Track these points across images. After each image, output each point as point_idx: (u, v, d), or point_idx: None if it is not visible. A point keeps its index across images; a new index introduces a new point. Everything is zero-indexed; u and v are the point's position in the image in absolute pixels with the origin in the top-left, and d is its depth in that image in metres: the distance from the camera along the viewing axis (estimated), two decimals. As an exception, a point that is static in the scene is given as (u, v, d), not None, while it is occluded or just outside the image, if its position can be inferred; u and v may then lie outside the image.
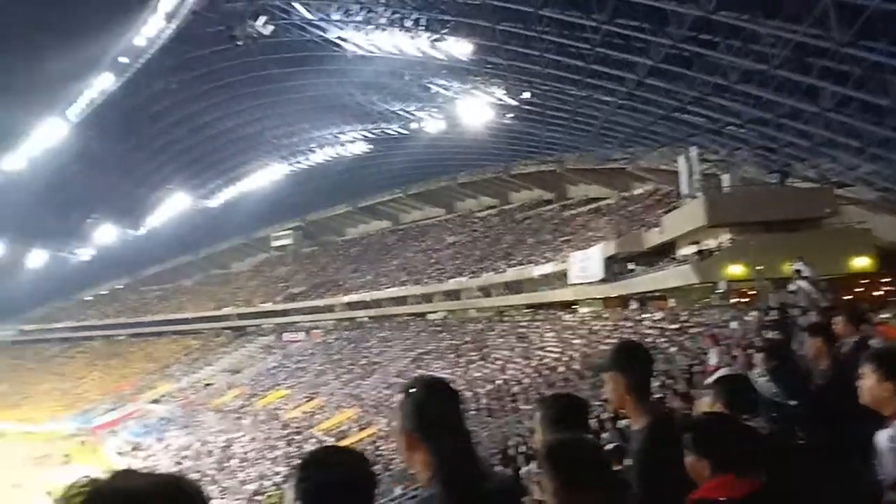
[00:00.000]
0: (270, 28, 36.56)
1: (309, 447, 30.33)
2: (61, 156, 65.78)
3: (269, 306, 61.28)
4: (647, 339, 23.59)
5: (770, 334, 12.06)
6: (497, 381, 28.06)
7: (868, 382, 2.77)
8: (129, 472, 1.10)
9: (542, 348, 31.58)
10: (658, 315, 29.20)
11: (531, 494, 2.55)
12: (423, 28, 33.01)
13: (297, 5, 37.08)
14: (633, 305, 31.95)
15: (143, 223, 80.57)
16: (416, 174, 60.99)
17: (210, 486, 28.87)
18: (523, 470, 10.98)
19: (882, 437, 2.72)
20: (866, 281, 24.54)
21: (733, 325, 18.61)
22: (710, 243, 27.21)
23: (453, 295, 45.84)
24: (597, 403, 11.75)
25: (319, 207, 73.65)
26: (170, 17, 41.78)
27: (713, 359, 11.97)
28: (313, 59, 43.14)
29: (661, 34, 23.28)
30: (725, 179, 29.09)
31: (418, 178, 62.24)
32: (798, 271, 15.53)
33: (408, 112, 48.52)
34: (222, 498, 27.34)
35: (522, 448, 14.96)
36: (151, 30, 43.59)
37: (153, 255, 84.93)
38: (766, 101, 24.27)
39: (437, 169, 60.16)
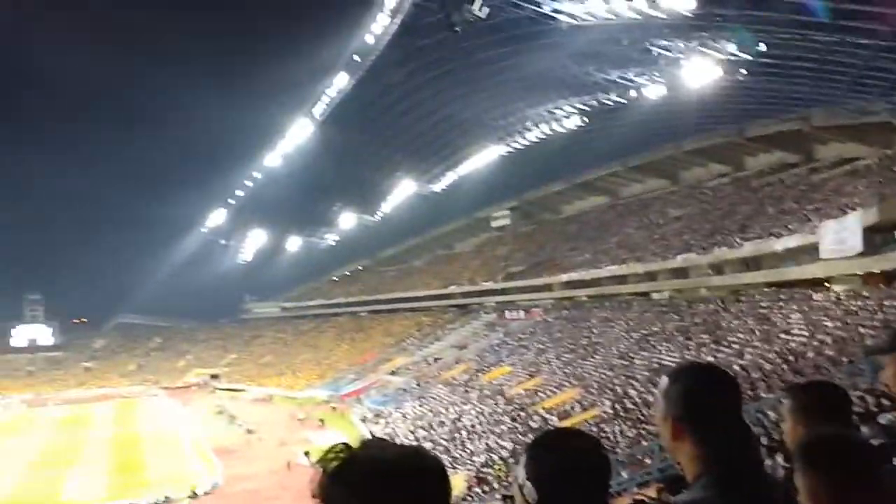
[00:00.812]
0: (486, 10, 37.09)
1: (533, 424, 30.64)
2: (309, 151, 74.34)
3: (490, 285, 63.05)
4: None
5: None
6: (733, 367, 25.61)
7: None
8: (379, 442, 1.16)
9: (786, 332, 28.11)
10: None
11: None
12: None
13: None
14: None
15: (377, 209, 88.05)
16: (635, 145, 58.14)
17: (442, 456, 30.55)
18: (766, 464, 9.70)
19: None
20: None
21: None
22: None
23: (680, 273, 42.80)
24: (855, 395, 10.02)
25: (536, 186, 73.90)
26: (394, 12, 44.62)
27: None
28: (528, 35, 43.14)
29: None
30: None
31: (638, 149, 59.15)
32: None
33: (626, 79, 46.29)
34: (454, 468, 28.74)
35: (764, 440, 13.36)
36: (379, 27, 46.96)
37: (387, 239, 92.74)
38: None
39: (659, 137, 56.73)
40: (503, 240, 75.64)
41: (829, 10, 25.26)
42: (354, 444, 1.15)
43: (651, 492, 12.24)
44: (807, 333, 26.40)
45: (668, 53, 39.41)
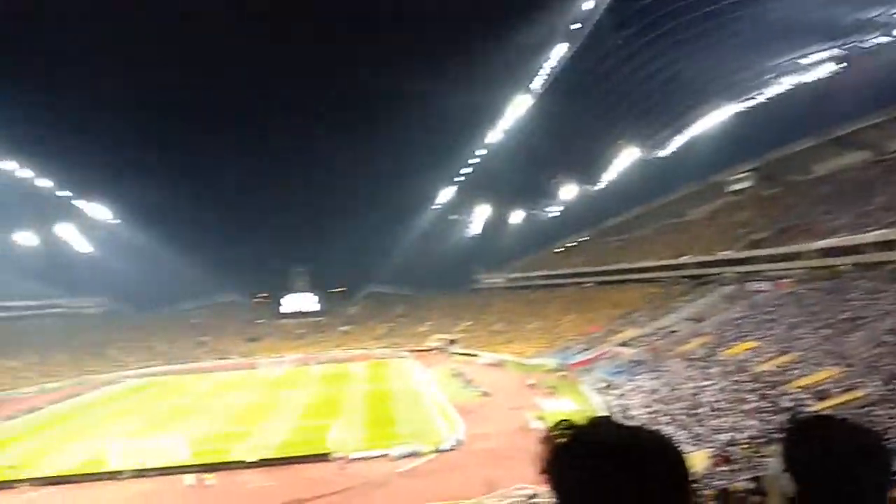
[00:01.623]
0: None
1: (784, 405, 28.69)
2: (529, 124, 75.68)
3: (728, 254, 59.03)
4: None
5: None
6: None
7: None
8: (607, 423, 1.14)
9: None
10: None
11: None
12: None
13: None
14: None
15: (599, 179, 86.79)
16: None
17: (680, 432, 29.99)
18: None
19: None
20: None
21: None
22: None
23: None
24: None
25: (779, 144, 66.90)
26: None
27: None
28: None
29: None
30: None
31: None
32: None
33: (893, 16, 40.01)
34: (694, 445, 28.06)
35: None
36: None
37: (610, 208, 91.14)
38: None
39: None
40: (742, 205, 70.01)
41: None
42: (582, 419, 1.15)
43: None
44: None
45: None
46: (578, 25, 56.23)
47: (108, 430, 43.12)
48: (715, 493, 17.88)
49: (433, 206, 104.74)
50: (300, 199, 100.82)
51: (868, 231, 43.82)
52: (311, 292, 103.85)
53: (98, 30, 77.21)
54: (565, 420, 1.15)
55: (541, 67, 66.43)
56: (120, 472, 32.03)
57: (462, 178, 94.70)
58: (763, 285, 51.62)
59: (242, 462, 33.29)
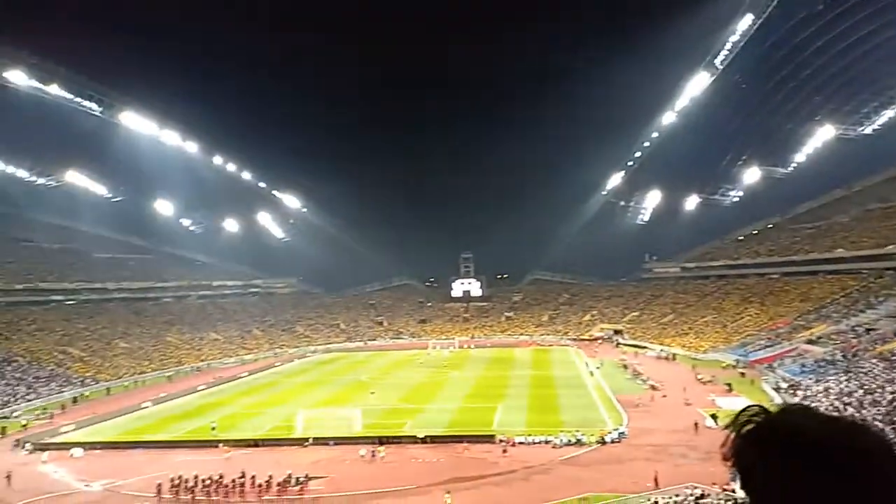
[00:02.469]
0: None
1: None
2: (707, 104, 71.03)
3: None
4: None
5: None
6: None
7: None
8: (804, 409, 1.03)
9: None
10: None
11: None
12: None
13: None
14: None
15: (789, 160, 79.27)
16: None
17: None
18: None
19: None
20: None
21: None
22: None
23: None
24: None
25: None
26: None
27: None
28: None
29: None
30: None
31: None
32: None
33: None
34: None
35: None
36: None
37: (801, 192, 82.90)
38: None
39: None
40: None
41: None
42: (772, 407, 1.06)
43: None
44: None
45: None
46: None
47: (295, 400, 47.91)
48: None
49: (602, 192, 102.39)
50: (471, 186, 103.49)
51: None
52: (478, 278, 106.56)
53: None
54: (754, 406, 1.07)
55: (724, 42, 62.10)
56: (305, 439, 35.52)
57: (631, 164, 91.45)
58: None
59: (414, 437, 35.41)
